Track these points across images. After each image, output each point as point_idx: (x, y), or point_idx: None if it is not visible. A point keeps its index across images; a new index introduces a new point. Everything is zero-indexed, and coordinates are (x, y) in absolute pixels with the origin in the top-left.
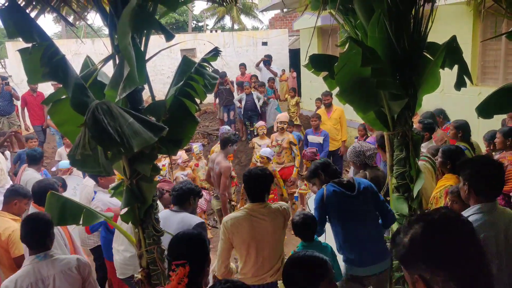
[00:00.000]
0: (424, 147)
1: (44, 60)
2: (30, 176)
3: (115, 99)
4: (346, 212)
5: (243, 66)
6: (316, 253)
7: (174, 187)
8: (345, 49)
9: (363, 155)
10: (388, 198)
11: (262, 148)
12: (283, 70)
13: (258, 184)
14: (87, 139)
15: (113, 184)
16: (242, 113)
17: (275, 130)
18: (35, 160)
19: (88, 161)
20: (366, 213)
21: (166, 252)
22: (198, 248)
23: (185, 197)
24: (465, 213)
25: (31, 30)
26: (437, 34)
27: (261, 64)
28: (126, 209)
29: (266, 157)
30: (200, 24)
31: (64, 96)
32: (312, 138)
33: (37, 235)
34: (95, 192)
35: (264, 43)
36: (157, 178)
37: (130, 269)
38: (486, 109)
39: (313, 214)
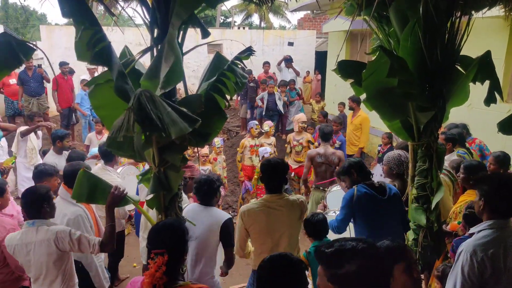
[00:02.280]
0: (447, 160)
1: (90, 44)
2: (47, 159)
3: (152, 89)
4: (374, 215)
5: (267, 64)
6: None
7: (198, 187)
8: (374, 57)
9: (405, 166)
10: (406, 208)
11: (260, 149)
12: (308, 72)
13: (276, 174)
14: (131, 122)
15: (141, 171)
16: (263, 112)
17: (295, 130)
18: (52, 141)
19: (124, 146)
20: (393, 218)
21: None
22: (177, 237)
23: (211, 196)
24: (476, 228)
25: (83, 13)
26: (470, 47)
27: (282, 64)
28: (151, 195)
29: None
30: (228, 20)
31: (104, 81)
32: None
33: (31, 206)
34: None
35: (291, 43)
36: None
37: None
38: (508, 125)
39: (336, 210)
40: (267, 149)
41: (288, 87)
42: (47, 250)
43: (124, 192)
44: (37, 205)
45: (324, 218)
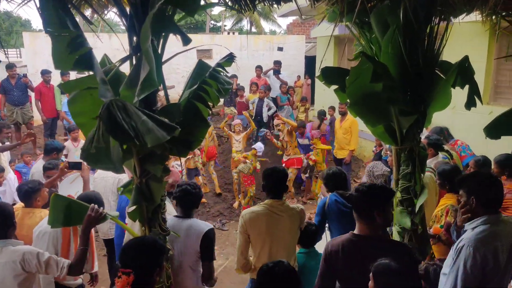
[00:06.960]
0: (429, 164)
1: (72, 48)
2: (37, 169)
3: (130, 99)
4: (344, 223)
5: (259, 68)
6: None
7: (183, 195)
8: (357, 63)
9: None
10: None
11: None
12: (298, 76)
13: (278, 181)
14: (101, 132)
15: (124, 183)
16: (252, 117)
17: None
18: (46, 151)
19: (101, 158)
20: None
21: (170, 253)
22: (148, 257)
23: (194, 207)
24: (470, 224)
25: (62, 19)
26: (453, 51)
27: (269, 73)
28: (134, 207)
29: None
30: (218, 24)
31: (85, 88)
32: (300, 141)
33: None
34: None
35: (280, 48)
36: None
37: None
38: (494, 130)
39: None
40: (261, 145)
41: (279, 93)
42: (13, 272)
43: (102, 211)
44: (7, 224)
45: (317, 230)
